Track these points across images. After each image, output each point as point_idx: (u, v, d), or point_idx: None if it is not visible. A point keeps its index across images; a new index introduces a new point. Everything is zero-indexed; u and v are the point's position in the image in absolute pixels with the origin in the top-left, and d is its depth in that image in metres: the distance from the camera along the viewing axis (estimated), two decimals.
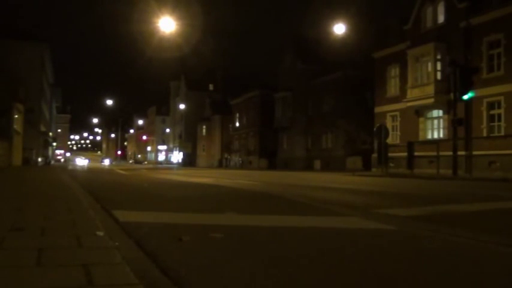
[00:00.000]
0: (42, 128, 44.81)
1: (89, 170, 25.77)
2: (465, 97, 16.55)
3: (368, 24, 33.31)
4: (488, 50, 22.18)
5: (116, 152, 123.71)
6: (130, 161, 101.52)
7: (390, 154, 21.35)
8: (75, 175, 15.04)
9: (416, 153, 19.79)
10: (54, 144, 68.19)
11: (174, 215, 3.95)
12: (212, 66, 72.21)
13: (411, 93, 25.81)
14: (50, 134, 57.10)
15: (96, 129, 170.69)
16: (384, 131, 20.37)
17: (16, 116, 31.78)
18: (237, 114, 54.81)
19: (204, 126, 65.46)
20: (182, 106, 69.39)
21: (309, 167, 37.94)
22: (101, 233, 2.51)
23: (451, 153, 16.66)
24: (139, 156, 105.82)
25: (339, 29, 18.58)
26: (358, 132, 33.03)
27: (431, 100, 24.32)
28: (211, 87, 70.74)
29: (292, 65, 41.07)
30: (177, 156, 78.16)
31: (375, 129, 22.73)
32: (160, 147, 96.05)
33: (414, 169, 18.44)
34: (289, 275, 1.91)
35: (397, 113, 27.89)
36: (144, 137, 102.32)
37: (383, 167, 20.09)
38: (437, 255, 2.38)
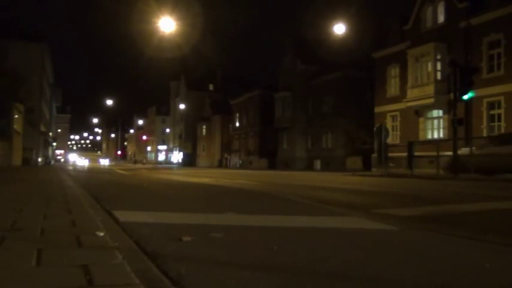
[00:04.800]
0: (42, 128, 44.81)
1: (88, 170, 25.76)
2: (465, 97, 16.53)
3: (368, 24, 33.30)
4: (488, 50, 22.20)
5: (116, 152, 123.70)
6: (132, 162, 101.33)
7: (390, 154, 21.33)
8: (75, 175, 15.04)
9: (416, 153, 19.78)
10: (54, 144, 68.24)
11: (174, 215, 3.95)
12: (212, 66, 72.25)
13: (411, 93, 25.81)
14: (50, 134, 57.13)
15: (96, 129, 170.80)
16: (384, 131, 20.35)
17: (16, 116, 31.79)
18: (237, 114, 54.83)
19: (204, 126, 65.47)
20: (182, 106, 69.40)
21: (309, 167, 37.95)
22: (101, 233, 2.50)
23: (451, 153, 16.66)
24: (135, 157, 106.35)
25: (339, 29, 18.58)
26: (358, 132, 33.04)
27: (431, 100, 24.33)
28: (211, 87, 70.75)
29: (292, 65, 41.07)
30: (177, 156, 78.16)
31: (375, 129, 22.73)
32: (160, 147, 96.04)
33: (414, 169, 18.43)
34: (290, 276, 1.91)
35: (397, 113, 27.90)
36: (144, 137, 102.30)
37: (383, 167, 20.08)
38: (438, 255, 2.38)
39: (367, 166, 28.39)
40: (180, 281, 1.69)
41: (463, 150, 16.61)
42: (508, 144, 14.29)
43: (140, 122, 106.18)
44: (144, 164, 78.00)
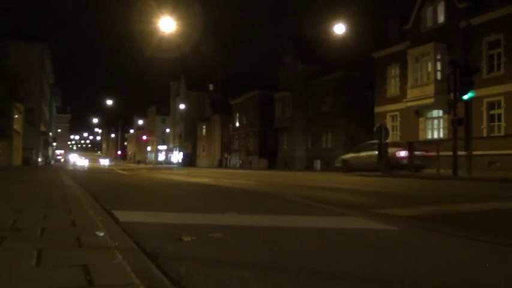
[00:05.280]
0: (42, 128, 44.79)
1: (88, 170, 25.76)
2: (465, 97, 16.52)
3: (368, 24, 33.31)
4: (488, 50, 22.19)
5: (116, 152, 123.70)
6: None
7: None
8: (75, 175, 15.03)
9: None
10: (54, 144, 68.17)
11: (174, 215, 3.95)
12: (212, 66, 72.30)
13: (411, 93, 25.81)
14: (50, 134, 57.08)
15: (96, 129, 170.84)
16: (384, 131, 20.34)
17: (16, 116, 31.77)
18: (237, 114, 54.81)
19: (204, 126, 65.48)
20: (182, 106, 69.40)
21: (309, 167, 37.94)
22: (101, 233, 2.50)
23: (451, 153, 16.65)
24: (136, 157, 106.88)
25: (339, 29, 18.60)
26: (358, 132, 33.02)
27: (431, 100, 24.32)
28: (211, 87, 70.75)
29: (292, 65, 41.06)
30: (177, 156, 78.17)
31: (375, 129, 22.72)
32: (160, 147, 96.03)
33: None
34: (290, 276, 1.91)
35: (397, 113, 27.89)
36: (144, 137, 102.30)
37: (383, 167, 20.06)
38: (438, 255, 2.38)
39: None
40: (180, 281, 1.69)
41: (350, 155, 22.04)
42: (367, 150, 20.50)
43: (140, 122, 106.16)
44: (147, 164, 78.62)
